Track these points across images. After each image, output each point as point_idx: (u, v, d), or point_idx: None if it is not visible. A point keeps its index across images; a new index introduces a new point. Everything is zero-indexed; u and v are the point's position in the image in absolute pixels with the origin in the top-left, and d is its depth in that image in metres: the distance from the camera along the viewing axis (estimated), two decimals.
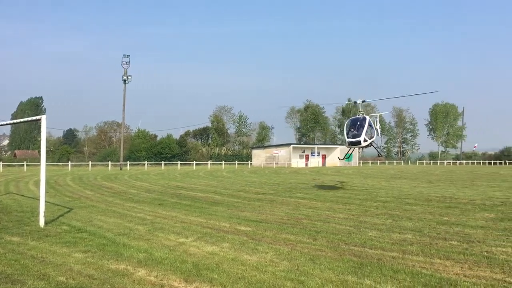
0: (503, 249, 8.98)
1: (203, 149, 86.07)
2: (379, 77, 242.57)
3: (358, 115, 22.52)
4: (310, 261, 8.02)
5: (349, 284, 6.69)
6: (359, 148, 23.19)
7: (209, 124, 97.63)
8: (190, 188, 25.63)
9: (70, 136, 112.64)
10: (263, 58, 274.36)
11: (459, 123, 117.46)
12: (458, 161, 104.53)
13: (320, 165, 75.29)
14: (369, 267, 7.59)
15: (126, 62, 59.70)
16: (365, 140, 21.12)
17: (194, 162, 65.06)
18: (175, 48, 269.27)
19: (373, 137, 22.19)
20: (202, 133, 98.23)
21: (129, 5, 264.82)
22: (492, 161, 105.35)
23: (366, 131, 21.29)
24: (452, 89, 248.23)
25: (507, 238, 10.16)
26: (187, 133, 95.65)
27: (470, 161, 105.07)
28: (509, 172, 52.29)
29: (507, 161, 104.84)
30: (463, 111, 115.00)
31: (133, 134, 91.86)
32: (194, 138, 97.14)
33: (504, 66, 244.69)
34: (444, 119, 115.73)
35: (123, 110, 60.82)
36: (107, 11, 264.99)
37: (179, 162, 63.76)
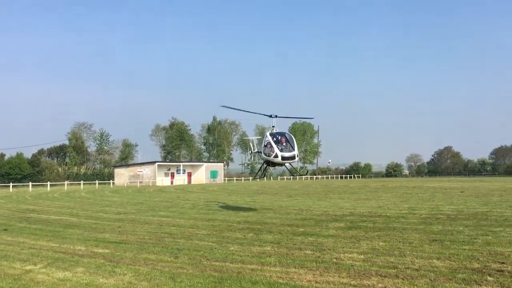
0: (350, 255, 9.81)
1: (60, 169, 79.55)
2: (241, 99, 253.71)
3: (272, 130, 20.48)
4: (170, 280, 7.86)
5: None
6: (290, 163, 20.31)
7: (67, 142, 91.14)
8: (42, 211, 23.47)
9: None
10: (129, 74, 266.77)
11: (315, 140, 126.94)
12: (314, 176, 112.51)
13: (186, 182, 74.93)
14: (229, 281, 7.68)
15: None
16: (297, 155, 19.59)
17: (49, 183, 59.81)
18: (27, 59, 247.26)
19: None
20: (58, 152, 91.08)
21: None
22: (344, 175, 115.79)
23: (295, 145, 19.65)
24: (310, 108, 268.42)
25: (353, 245, 11.14)
26: (40, 152, 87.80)
27: (325, 176, 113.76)
28: (357, 185, 57.79)
29: (355, 175, 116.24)
30: (318, 129, 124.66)
31: None
32: (49, 157, 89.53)
33: (354, 90, 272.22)
34: (302, 136, 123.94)
35: None
36: None
37: (30, 184, 58.03)
